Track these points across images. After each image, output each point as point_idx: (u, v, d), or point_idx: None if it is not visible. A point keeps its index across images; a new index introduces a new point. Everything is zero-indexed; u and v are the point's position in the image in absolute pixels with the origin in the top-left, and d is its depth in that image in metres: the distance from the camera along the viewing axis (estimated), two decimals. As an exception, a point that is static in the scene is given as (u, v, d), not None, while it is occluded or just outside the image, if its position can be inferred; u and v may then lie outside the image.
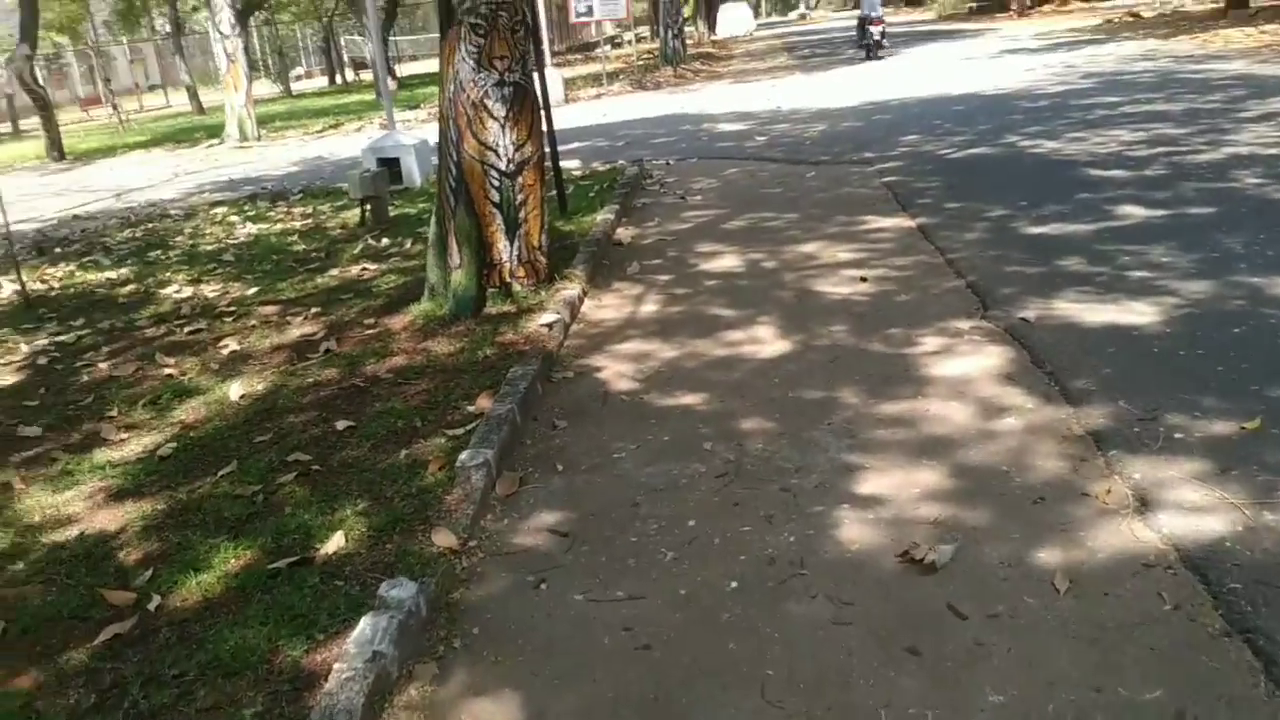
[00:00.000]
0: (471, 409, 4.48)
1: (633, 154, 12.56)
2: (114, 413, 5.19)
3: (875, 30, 23.51)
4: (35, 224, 13.28)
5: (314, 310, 6.64)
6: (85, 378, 5.92)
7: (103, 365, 6.11)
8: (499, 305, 5.88)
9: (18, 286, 8.30)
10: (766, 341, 5.13)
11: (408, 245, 8.29)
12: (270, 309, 6.92)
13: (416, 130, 18.60)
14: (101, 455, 4.58)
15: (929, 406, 4.09)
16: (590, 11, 23.01)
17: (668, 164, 11.51)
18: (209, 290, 7.75)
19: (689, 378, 4.75)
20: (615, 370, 4.97)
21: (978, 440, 3.75)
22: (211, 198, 13.39)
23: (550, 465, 3.99)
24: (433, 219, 6.07)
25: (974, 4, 44.92)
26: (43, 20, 27.33)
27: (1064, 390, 4.10)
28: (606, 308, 6.06)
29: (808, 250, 6.83)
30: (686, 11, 41.55)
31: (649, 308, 5.97)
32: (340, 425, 4.49)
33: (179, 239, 10.13)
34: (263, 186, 13.92)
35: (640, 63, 29.34)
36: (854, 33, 27.18)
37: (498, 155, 5.74)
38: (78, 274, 9.10)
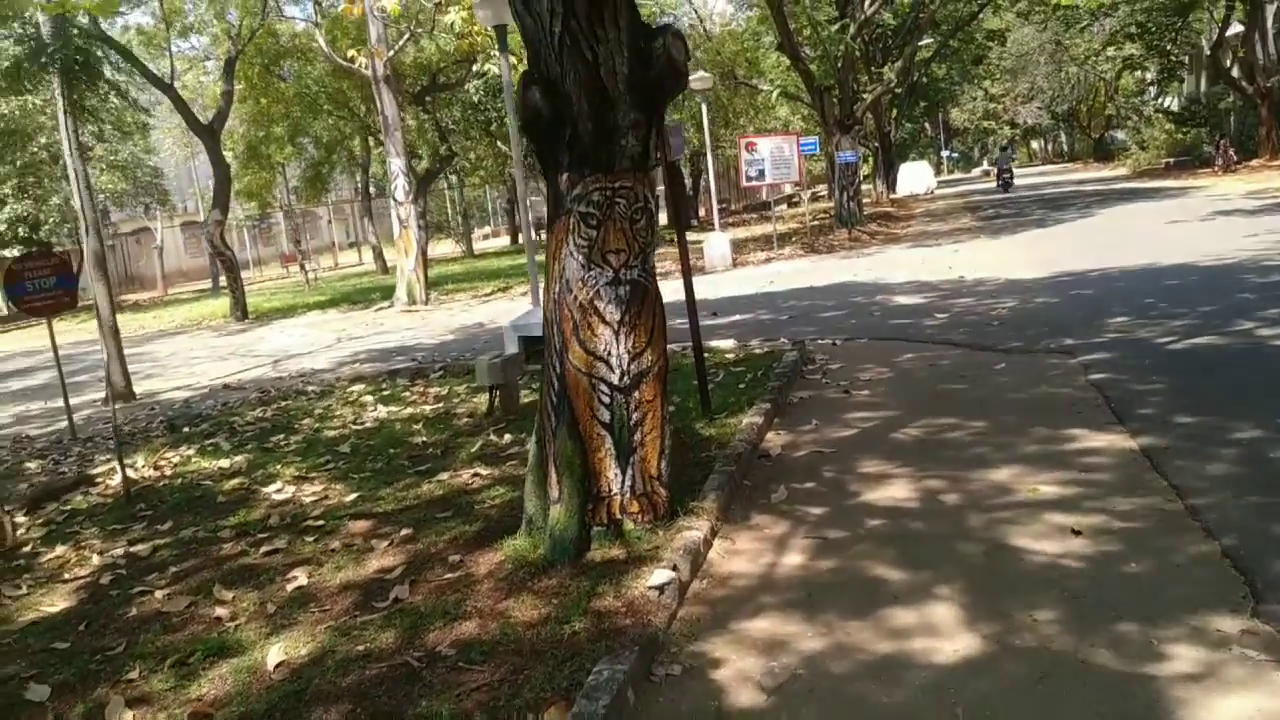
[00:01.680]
0: (534, 730, 3.33)
1: (796, 330, 11.47)
2: (133, 674, 4.28)
3: (1006, 175, 41.93)
4: (187, 391, 13.22)
5: (404, 533, 5.69)
6: (135, 610, 5.12)
7: (159, 594, 5.31)
8: (605, 548, 4.76)
9: (122, 477, 7.78)
10: (946, 633, 3.80)
11: (530, 444, 7.34)
12: (361, 526, 6.04)
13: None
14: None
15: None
16: (762, 175, 22.44)
17: (834, 344, 10.33)
18: (309, 492, 7.00)
19: (834, 695, 3.46)
20: (737, 669, 3.72)
21: None
22: (359, 369, 13.02)
23: None
24: (533, 439, 5.07)
25: (1170, 159, 42.70)
26: (237, 187, 28.93)
27: None
28: (740, 554, 4.84)
29: (1000, 479, 5.46)
30: (864, 170, 40.97)
31: (793, 558, 4.72)
32: (365, 740, 3.40)
33: (306, 421, 9.58)
34: (413, 358, 13.50)
35: (814, 223, 28.56)
36: (997, 182, 42.98)
37: (609, 367, 4.72)
38: (194, 460, 8.61)
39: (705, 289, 17.62)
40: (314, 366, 14.05)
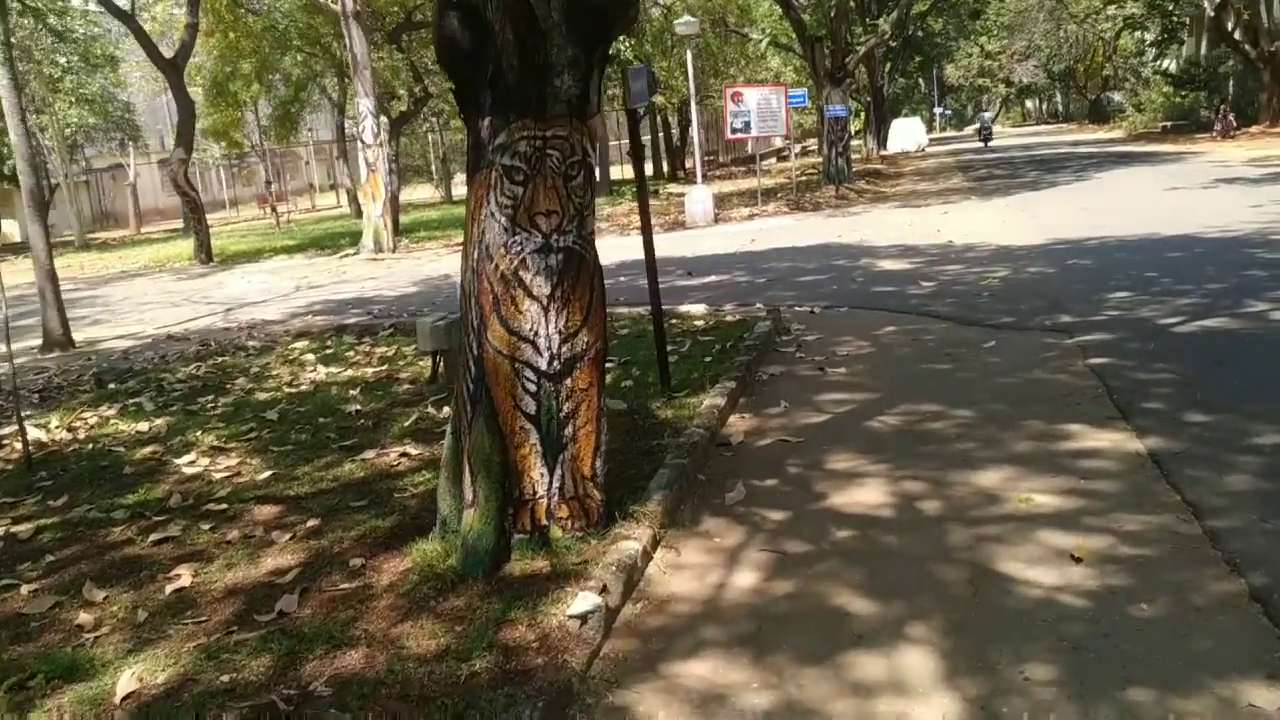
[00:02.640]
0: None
1: (773, 295, 10.75)
2: (-41, 700, 3.60)
3: (985, 133, 47.05)
4: (130, 341, 12.47)
5: (310, 524, 5.01)
6: (-10, 611, 4.43)
7: (25, 590, 4.63)
8: (527, 559, 4.07)
9: (23, 443, 7.05)
10: (919, 690, 3.14)
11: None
12: (266, 512, 5.36)
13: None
14: None
15: None
16: (747, 128, 21.54)
17: (812, 313, 9.62)
18: (222, 467, 6.31)
19: (780, 771, 2.81)
20: (663, 730, 3.07)
21: None
22: (310, 321, 12.29)
23: None
24: (449, 429, 4.36)
25: (1167, 123, 41.86)
26: (204, 124, 27.86)
27: None
28: (684, 570, 4.16)
29: (987, 483, 4.79)
30: (855, 125, 40.05)
31: (745, 578, 4.05)
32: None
33: (240, 380, 8.86)
34: (369, 311, 12.77)
35: (802, 179, 27.71)
36: (979, 138, 47.82)
37: (536, 349, 4.00)
38: (112, 422, 7.90)
39: (684, 246, 16.89)
40: (265, 317, 13.29)
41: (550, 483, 4.12)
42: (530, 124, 3.87)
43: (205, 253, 22.92)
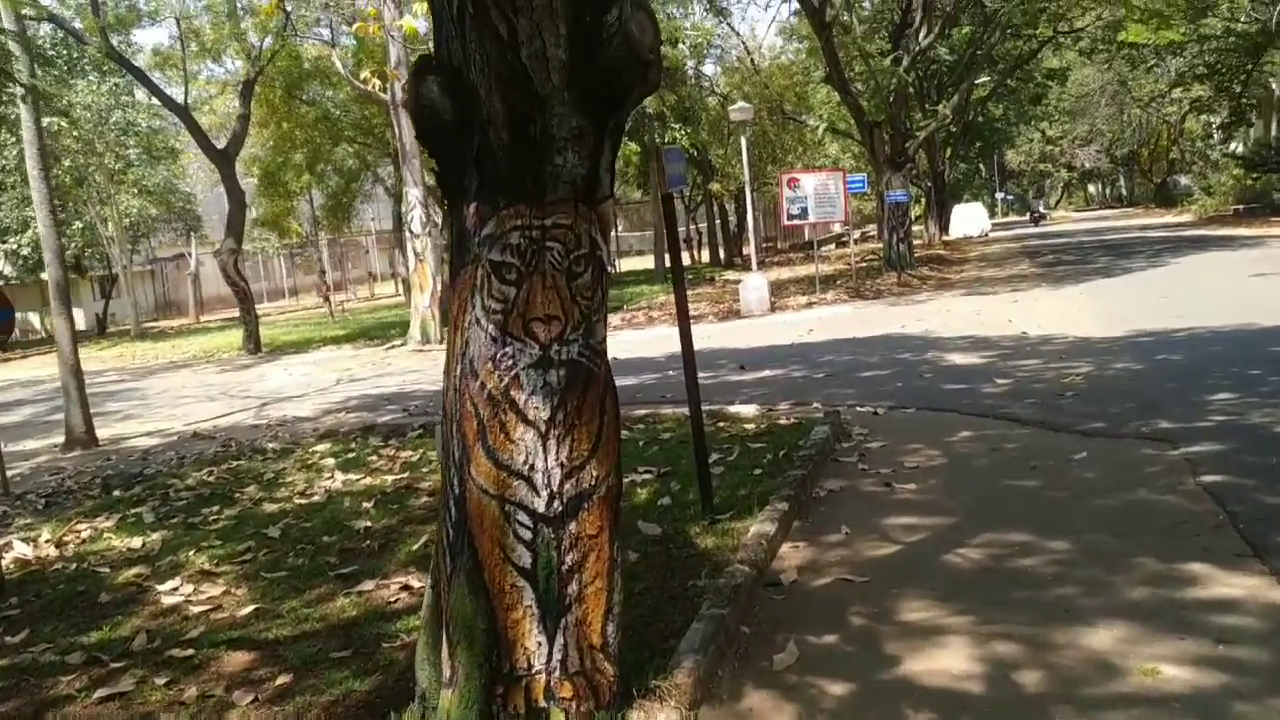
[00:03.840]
0: None
1: (832, 393, 9.89)
2: None
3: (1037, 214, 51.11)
4: (156, 439, 11.95)
5: (280, 680, 4.24)
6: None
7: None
8: (521, 753, 3.23)
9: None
10: None
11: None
12: (237, 661, 4.60)
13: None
14: None
15: None
16: (804, 214, 20.88)
17: (875, 414, 8.74)
18: (204, 597, 5.59)
19: None
20: None
21: None
22: (341, 419, 11.67)
23: None
24: (429, 579, 3.57)
25: (1239, 206, 40.53)
26: (255, 214, 27.96)
27: None
28: (717, 769, 3.29)
29: (1099, 645, 3.86)
30: (916, 211, 39.31)
31: (796, 784, 3.17)
32: None
33: (250, 489, 8.19)
34: (404, 408, 12.12)
35: (862, 265, 26.92)
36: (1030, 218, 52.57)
37: (531, 487, 3.21)
38: (106, 536, 7.25)
39: (737, 337, 16.12)
40: (298, 413, 12.71)
41: (549, 655, 3.29)
42: (524, 210, 3.14)
43: (254, 343, 22.65)
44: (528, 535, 3.24)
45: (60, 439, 12.04)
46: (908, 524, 5.61)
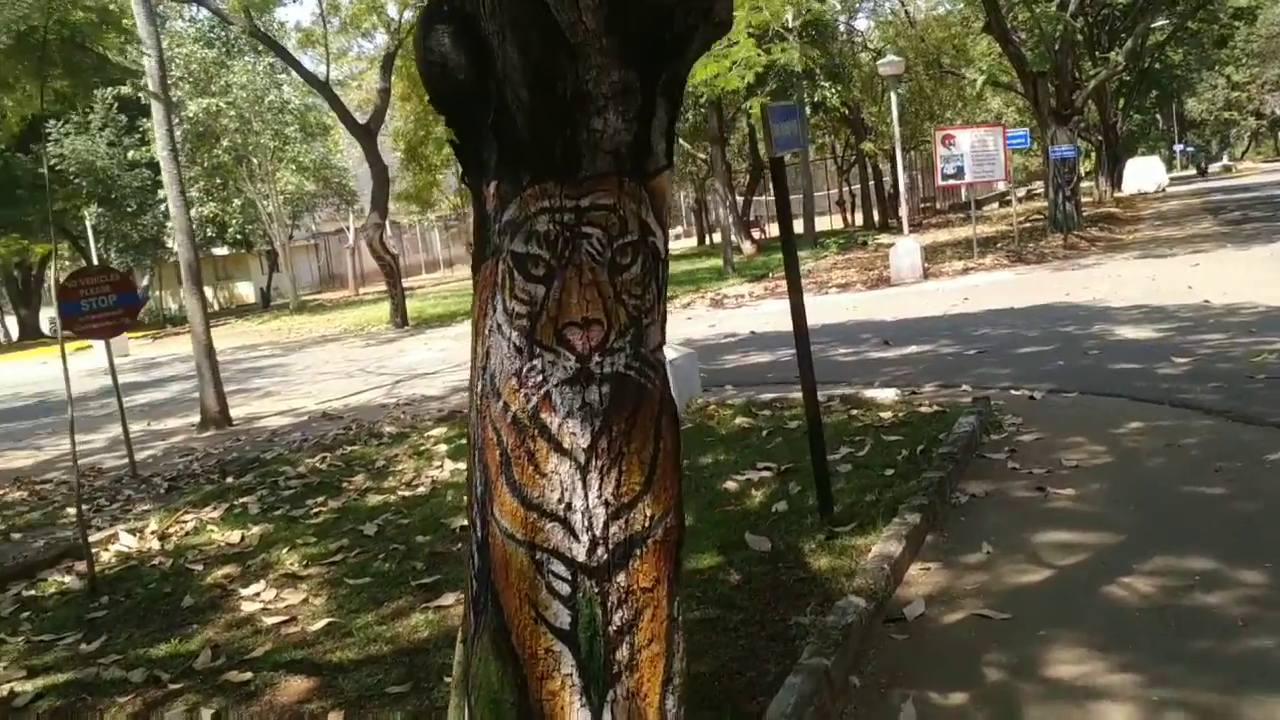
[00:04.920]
0: None
1: (983, 374, 8.96)
2: None
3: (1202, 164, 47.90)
4: (288, 418, 11.95)
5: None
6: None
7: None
8: None
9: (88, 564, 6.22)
10: None
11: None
12: (292, 688, 4.20)
13: (740, 311, 16.03)
14: None
15: None
16: (960, 173, 19.58)
17: (1030, 399, 7.81)
18: (282, 607, 5.26)
19: None
20: None
21: None
22: (465, 400, 11.37)
23: None
24: (459, 633, 3.01)
25: None
26: (399, 188, 28.19)
27: None
28: None
29: (1309, 726, 3.03)
30: (1085, 166, 36.90)
31: None
32: None
33: (358, 478, 7.91)
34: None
35: (1025, 225, 25.23)
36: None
37: (570, 530, 2.60)
38: (208, 529, 7.08)
39: (884, 307, 15.15)
40: (427, 393, 12.50)
41: (596, 733, 2.69)
42: (553, 189, 2.50)
43: (400, 316, 22.86)
44: (565, 590, 2.62)
45: (196, 418, 12.17)
46: (1062, 542, 4.76)
